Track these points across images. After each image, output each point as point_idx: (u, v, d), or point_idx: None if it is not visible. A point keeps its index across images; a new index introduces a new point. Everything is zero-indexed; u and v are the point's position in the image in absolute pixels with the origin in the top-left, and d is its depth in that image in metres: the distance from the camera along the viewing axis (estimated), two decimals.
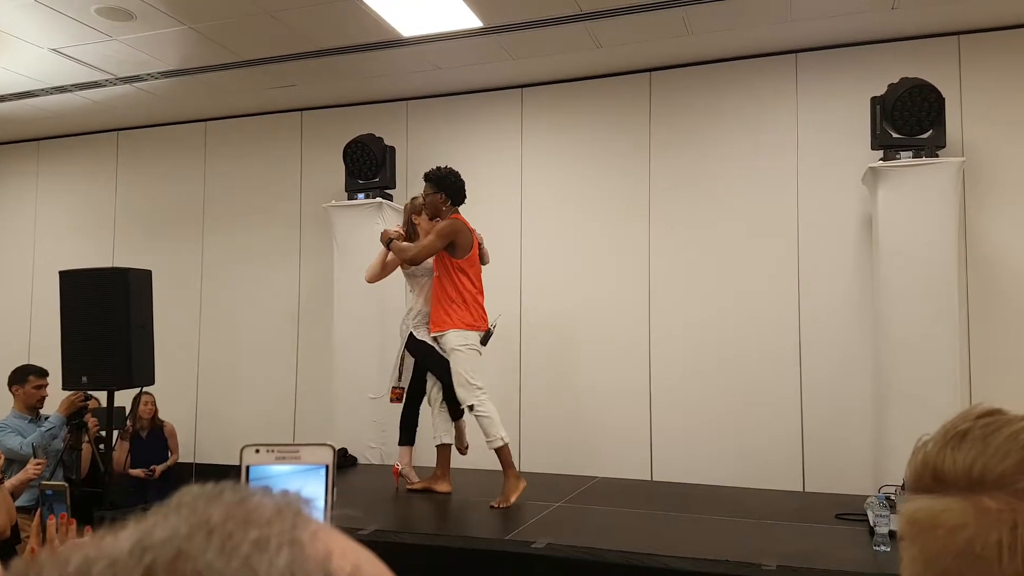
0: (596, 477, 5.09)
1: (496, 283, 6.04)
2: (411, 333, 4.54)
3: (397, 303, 6.09)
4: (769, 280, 5.47)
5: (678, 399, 5.59)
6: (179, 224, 7.09)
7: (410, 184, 6.39)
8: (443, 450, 4.54)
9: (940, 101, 4.79)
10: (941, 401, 4.53)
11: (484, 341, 4.38)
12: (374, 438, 5.75)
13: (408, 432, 4.70)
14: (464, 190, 4.53)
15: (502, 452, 4.20)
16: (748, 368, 5.45)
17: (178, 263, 6.94)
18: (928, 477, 0.59)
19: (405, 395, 4.64)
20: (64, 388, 4.57)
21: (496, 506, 4.11)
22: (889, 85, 4.91)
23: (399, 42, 5.29)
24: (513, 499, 4.13)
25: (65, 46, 5.36)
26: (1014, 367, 4.80)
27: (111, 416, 4.57)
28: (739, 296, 5.52)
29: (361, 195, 6.05)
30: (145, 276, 4.63)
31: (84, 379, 4.42)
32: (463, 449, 4.63)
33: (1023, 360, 3.77)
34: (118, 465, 4.75)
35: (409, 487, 4.58)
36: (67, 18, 4.91)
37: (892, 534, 3.22)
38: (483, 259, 4.64)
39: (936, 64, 5.13)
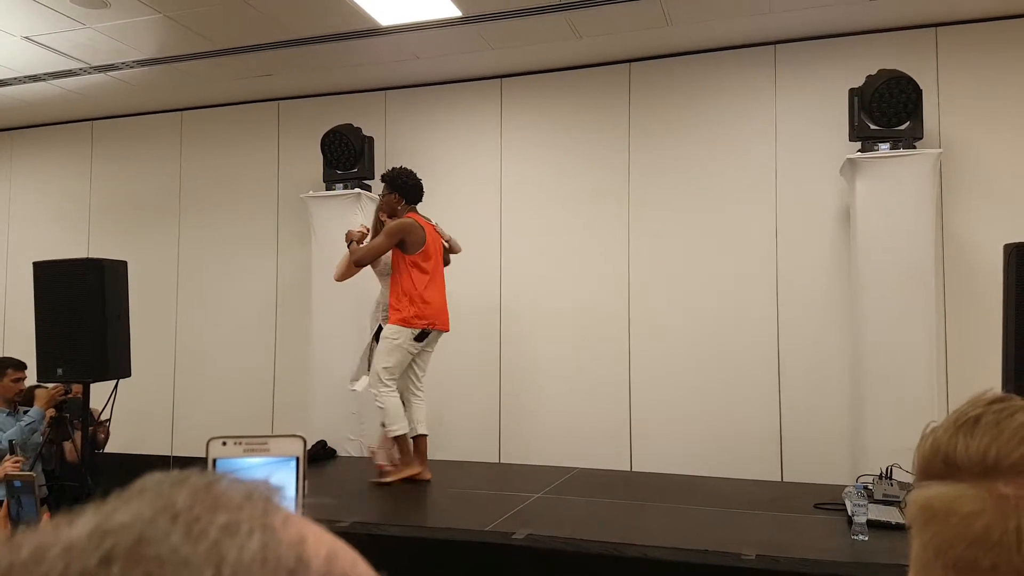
0: (576, 468, 5.10)
1: (475, 274, 6.04)
2: (380, 326, 4.71)
3: (375, 295, 6.07)
4: (747, 271, 5.49)
5: (657, 390, 5.61)
6: (155, 215, 7.01)
7: None
8: (419, 440, 4.60)
9: (917, 93, 4.83)
10: (917, 392, 4.58)
11: (420, 338, 4.50)
12: (353, 430, 5.73)
13: None
14: (418, 189, 4.72)
15: (400, 440, 4.47)
16: (727, 358, 5.47)
17: (154, 254, 6.87)
18: (939, 463, 0.58)
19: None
20: (39, 380, 4.53)
21: (381, 476, 4.45)
22: (867, 77, 4.93)
23: (377, 31, 5.25)
24: (392, 473, 4.44)
25: (38, 34, 5.27)
26: (989, 359, 4.84)
27: (87, 408, 4.52)
28: (718, 287, 5.54)
29: (339, 186, 6.01)
30: (120, 267, 4.57)
31: (59, 371, 4.36)
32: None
33: (998, 351, 3.81)
34: (71, 455, 4.71)
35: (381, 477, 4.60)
36: (40, 5, 4.82)
37: (870, 523, 3.25)
38: (453, 249, 4.82)
39: (914, 56, 5.16)
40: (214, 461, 0.59)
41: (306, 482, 0.59)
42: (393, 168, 4.74)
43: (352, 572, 0.36)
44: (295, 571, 0.33)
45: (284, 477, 0.59)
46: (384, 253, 4.57)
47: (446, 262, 4.79)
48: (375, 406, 4.53)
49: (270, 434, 0.59)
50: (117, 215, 7.13)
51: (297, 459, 0.60)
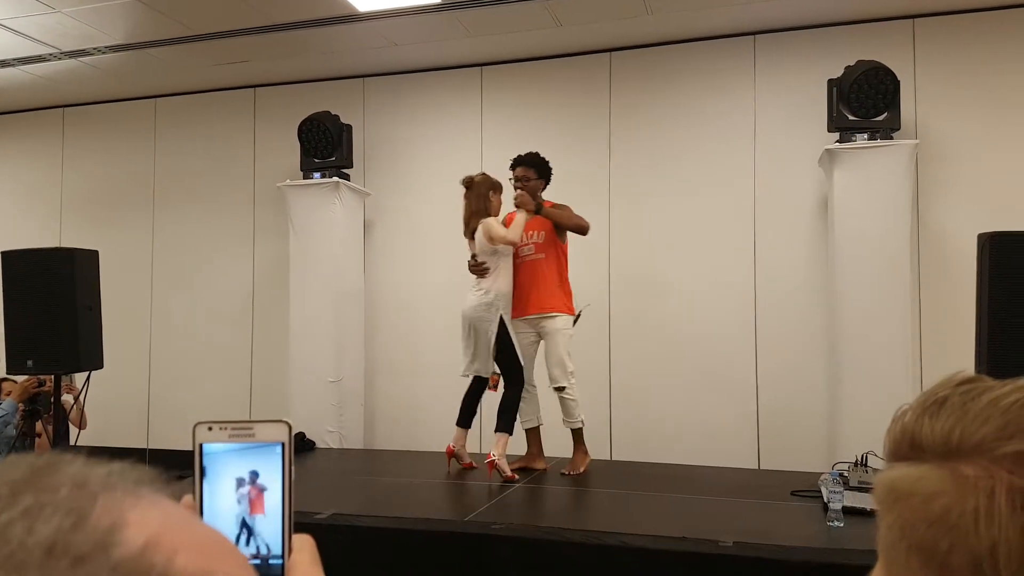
0: (555, 458, 5.10)
1: (456, 264, 6.01)
2: (502, 317, 4.42)
3: (354, 284, 6.04)
4: (726, 260, 5.51)
5: (636, 379, 5.62)
6: (128, 204, 6.90)
7: (367, 163, 6.30)
8: (532, 433, 4.60)
9: (895, 84, 4.86)
10: (893, 380, 4.62)
11: (574, 323, 4.52)
12: (332, 422, 5.69)
13: (466, 414, 4.57)
14: None
15: (579, 432, 4.47)
16: (705, 347, 5.49)
17: (128, 244, 6.76)
18: (906, 445, 0.57)
19: (474, 379, 4.57)
20: (8, 372, 4.46)
21: (568, 473, 4.38)
22: (845, 67, 4.95)
23: (355, 17, 5.18)
24: (582, 469, 4.41)
25: (6, 18, 5.15)
26: (963, 347, 4.90)
27: (58, 400, 4.45)
28: (696, 276, 5.56)
29: (317, 174, 5.94)
30: (92, 257, 4.49)
31: (30, 363, 4.29)
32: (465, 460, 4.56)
33: (971, 339, 3.86)
34: (42, 449, 4.64)
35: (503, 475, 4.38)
36: None
37: (845, 510, 3.28)
38: None
39: (891, 47, 5.19)
40: (200, 446, 0.58)
41: (293, 468, 0.57)
42: (533, 153, 4.58)
43: (167, 564, 0.34)
44: (87, 557, 0.32)
45: (269, 463, 0.58)
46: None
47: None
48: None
49: (256, 419, 0.58)
50: (90, 204, 7.01)
51: (283, 445, 0.58)
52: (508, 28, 5.41)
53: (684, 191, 5.63)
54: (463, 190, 4.47)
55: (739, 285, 5.49)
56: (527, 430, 4.59)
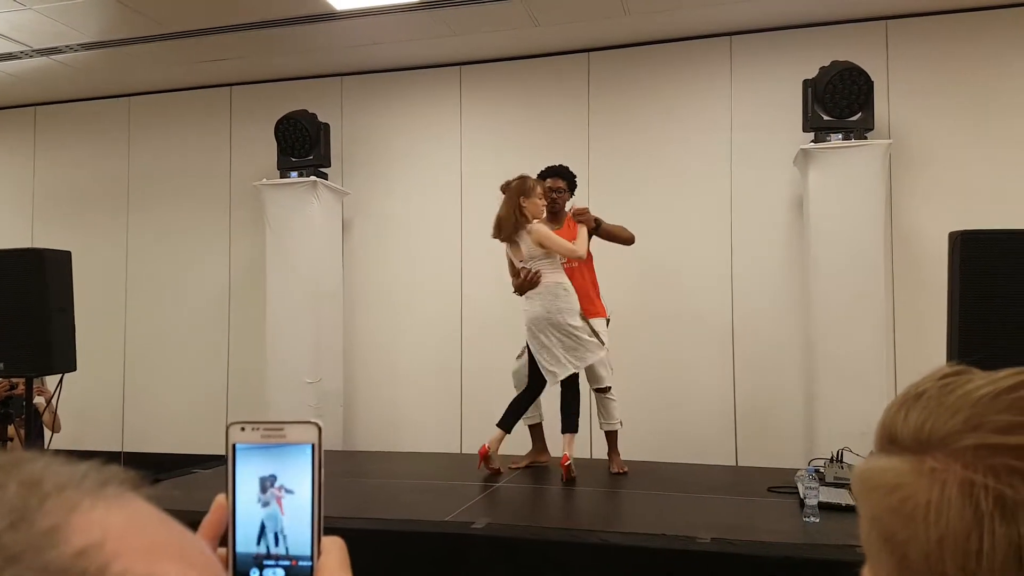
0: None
1: (436, 264, 6.01)
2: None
3: (332, 284, 6.00)
4: (702, 259, 5.55)
5: (614, 377, 5.62)
6: (102, 204, 6.81)
7: (345, 162, 6.27)
8: (536, 429, 4.67)
9: (869, 84, 4.92)
10: (868, 377, 4.68)
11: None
12: None
13: (512, 418, 4.45)
14: None
15: (615, 435, 4.50)
16: (682, 345, 5.53)
17: (102, 245, 6.68)
18: (884, 438, 0.58)
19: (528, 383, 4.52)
20: None
21: (621, 471, 4.37)
22: (820, 68, 5.01)
23: (333, 15, 5.16)
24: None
25: None
26: (936, 343, 4.96)
27: (30, 402, 4.38)
28: (673, 275, 5.59)
29: (294, 173, 5.90)
30: (64, 257, 4.42)
31: (0, 365, 4.22)
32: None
33: (944, 336, 3.93)
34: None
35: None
36: None
37: (821, 506, 3.32)
38: None
39: (865, 48, 5.25)
40: (234, 446, 0.58)
41: (323, 469, 0.57)
42: (561, 165, 4.68)
43: (102, 568, 0.34)
44: (17, 557, 0.32)
45: (299, 464, 0.58)
46: None
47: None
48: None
49: (287, 420, 0.58)
50: (63, 204, 6.92)
51: (313, 446, 0.58)
52: (487, 27, 5.41)
53: (661, 191, 5.66)
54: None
55: (715, 284, 5.52)
56: (531, 427, 4.64)
